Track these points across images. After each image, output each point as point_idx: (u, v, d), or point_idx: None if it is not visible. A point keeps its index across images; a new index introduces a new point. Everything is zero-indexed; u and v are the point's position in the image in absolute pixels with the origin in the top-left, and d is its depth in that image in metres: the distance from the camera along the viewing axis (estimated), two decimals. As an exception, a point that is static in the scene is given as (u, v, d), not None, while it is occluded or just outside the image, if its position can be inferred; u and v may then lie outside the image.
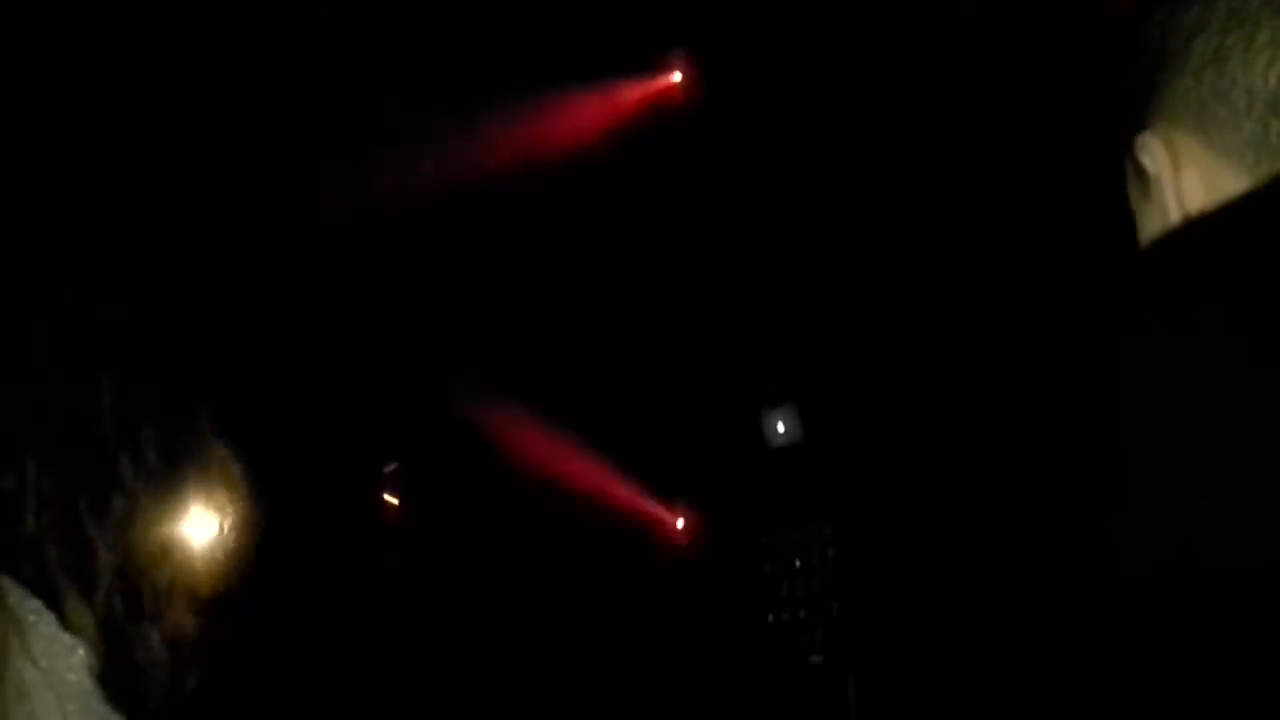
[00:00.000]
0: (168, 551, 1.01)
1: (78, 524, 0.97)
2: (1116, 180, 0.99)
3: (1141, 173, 0.92)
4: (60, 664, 0.90)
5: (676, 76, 4.43)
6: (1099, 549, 0.86)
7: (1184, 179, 0.90)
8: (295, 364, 4.59)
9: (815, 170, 4.32)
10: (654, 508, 5.58)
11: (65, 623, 0.93)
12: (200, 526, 1.04)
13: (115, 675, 0.94)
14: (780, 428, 5.02)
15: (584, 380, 5.10)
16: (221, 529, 1.07)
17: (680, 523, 5.65)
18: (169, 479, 1.03)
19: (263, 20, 3.72)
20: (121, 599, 0.97)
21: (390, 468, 5.31)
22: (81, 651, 0.92)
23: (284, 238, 4.35)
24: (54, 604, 0.93)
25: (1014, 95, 3.80)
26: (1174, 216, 0.90)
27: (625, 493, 5.43)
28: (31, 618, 0.90)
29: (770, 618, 5.47)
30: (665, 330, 4.91)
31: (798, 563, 5.39)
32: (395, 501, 5.32)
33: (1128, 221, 0.98)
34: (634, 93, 4.39)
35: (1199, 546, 0.74)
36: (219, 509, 1.06)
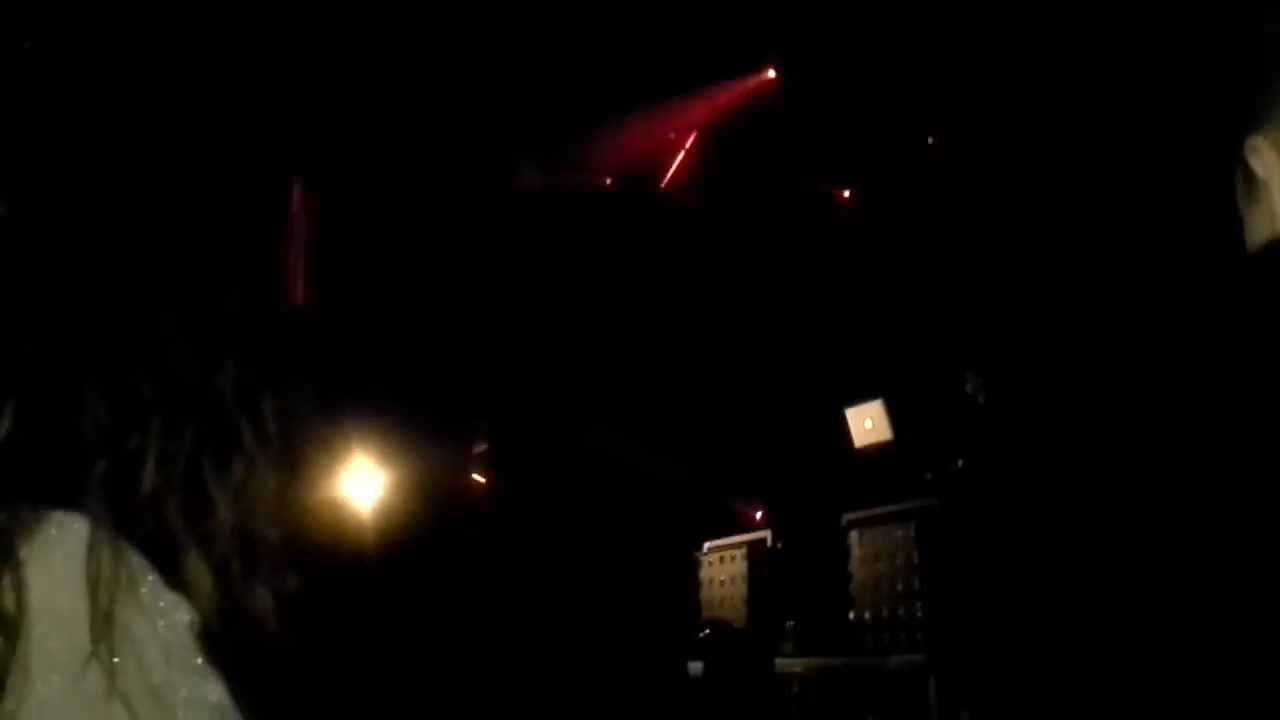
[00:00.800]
0: (281, 515, 1.06)
1: (200, 484, 1.02)
2: (1225, 185, 0.98)
3: (1250, 176, 0.91)
4: (166, 618, 0.94)
5: (769, 75, 4.45)
6: (1142, 550, 0.87)
7: None
8: (398, 351, 4.70)
9: (911, 162, 4.30)
10: (738, 502, 5.59)
11: (179, 578, 0.98)
12: (312, 494, 1.10)
13: (221, 631, 0.98)
14: (866, 425, 5.00)
15: (675, 375, 5.13)
16: (330, 499, 1.13)
17: (761, 516, 5.65)
18: (285, 448, 1.08)
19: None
20: (237, 556, 1.02)
21: (480, 448, 5.41)
22: (185, 608, 0.96)
23: (389, 229, 4.46)
24: (169, 561, 0.98)
25: (1129, 97, 3.72)
26: None
27: (711, 487, 5.45)
28: (140, 574, 0.95)
29: (853, 616, 5.43)
30: (754, 328, 4.92)
31: (881, 563, 5.35)
32: (483, 480, 5.42)
33: (1235, 226, 0.97)
34: (724, 97, 4.41)
35: (1225, 548, 0.75)
36: (329, 480, 1.12)
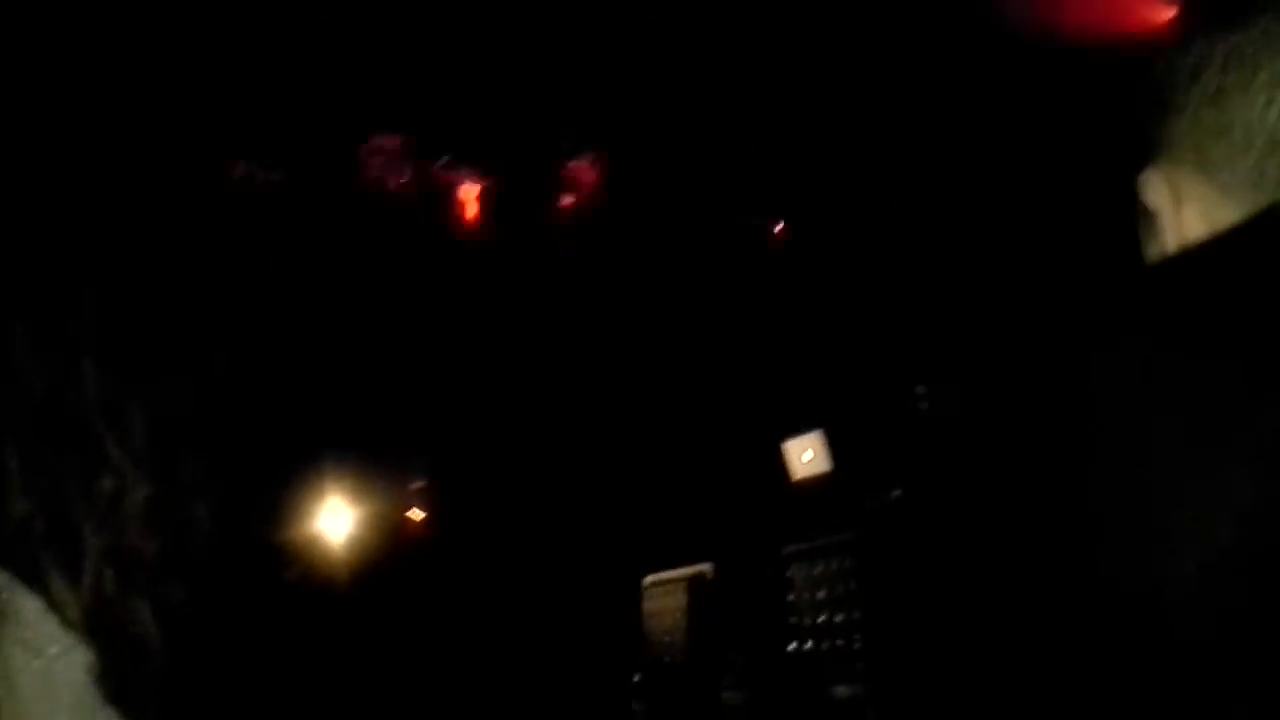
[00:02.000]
0: (157, 527, 1.01)
1: (63, 507, 0.97)
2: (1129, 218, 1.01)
3: (1146, 209, 0.94)
4: (58, 661, 0.90)
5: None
6: (1087, 577, 0.88)
7: (1184, 215, 0.91)
8: (309, 353, 4.63)
9: (839, 191, 4.34)
10: (677, 535, 5.57)
11: (52, 606, 0.93)
12: (192, 503, 1.05)
13: (110, 665, 0.94)
14: (805, 457, 5.01)
15: (611, 408, 5.12)
16: (212, 507, 1.08)
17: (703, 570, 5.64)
18: (158, 457, 1.03)
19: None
20: (111, 576, 0.97)
21: (418, 483, 5.35)
22: (80, 649, 0.92)
23: (288, 225, 4.40)
24: (45, 590, 0.93)
25: (1030, 135, 3.81)
26: (1173, 249, 0.92)
27: (650, 521, 5.42)
28: (29, 615, 0.91)
29: (795, 647, 5.43)
30: (688, 360, 4.93)
31: (822, 594, 5.35)
32: (421, 515, 5.35)
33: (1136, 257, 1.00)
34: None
35: (1171, 577, 0.75)
36: (209, 486, 1.06)
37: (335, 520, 4.77)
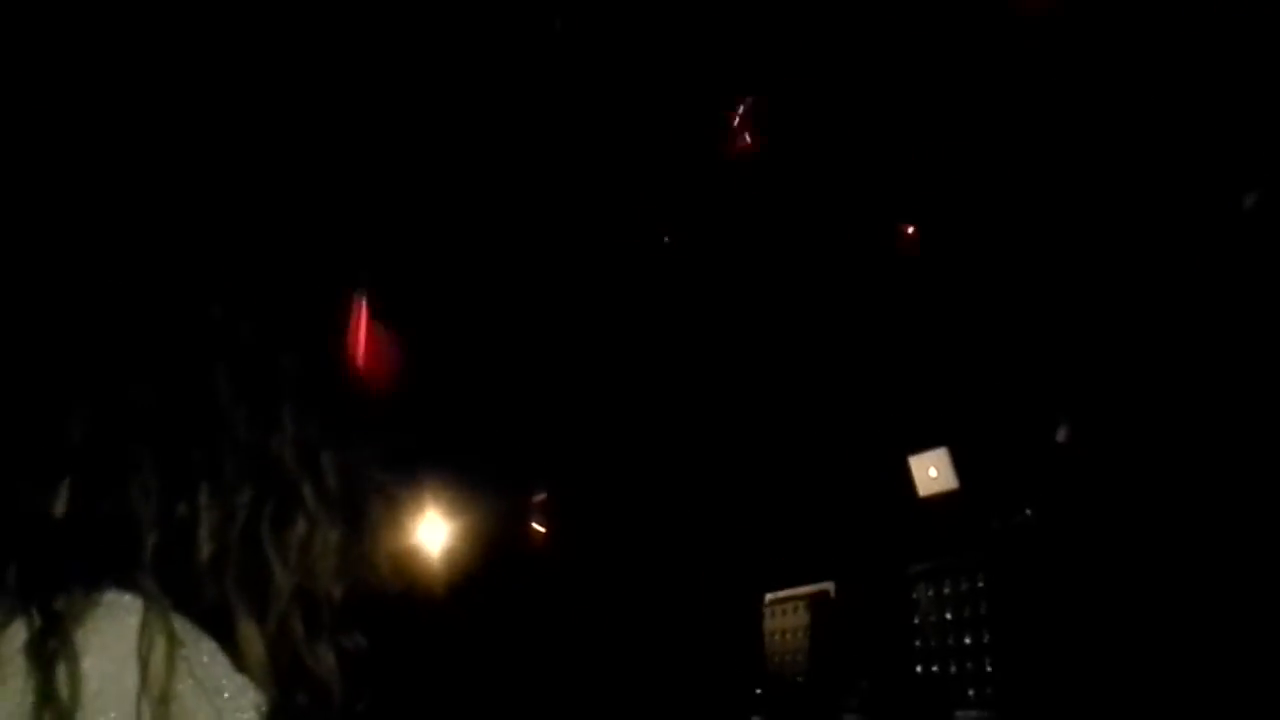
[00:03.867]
0: (346, 571, 1.04)
1: (258, 546, 1.00)
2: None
3: None
4: (230, 704, 0.92)
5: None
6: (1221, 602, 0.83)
7: None
8: (453, 396, 4.71)
9: (964, 214, 4.25)
10: (804, 553, 5.51)
11: (235, 647, 0.95)
12: (378, 550, 1.08)
13: (285, 707, 0.95)
14: (931, 473, 4.91)
15: (737, 424, 5.09)
16: (395, 551, 1.10)
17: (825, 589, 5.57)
18: (348, 505, 1.06)
19: None
20: (300, 617, 0.99)
21: (539, 497, 5.40)
22: (251, 691, 0.94)
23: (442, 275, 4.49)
24: (229, 630, 0.96)
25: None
26: None
27: (774, 538, 5.38)
28: (205, 658, 0.92)
29: (919, 670, 5.31)
30: (815, 375, 4.87)
31: (949, 615, 5.23)
32: (543, 529, 5.40)
33: None
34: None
35: None
36: (395, 535, 1.09)
37: (442, 533, 4.82)
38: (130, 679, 0.89)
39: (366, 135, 3.93)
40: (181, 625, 0.93)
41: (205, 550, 0.98)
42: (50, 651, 0.88)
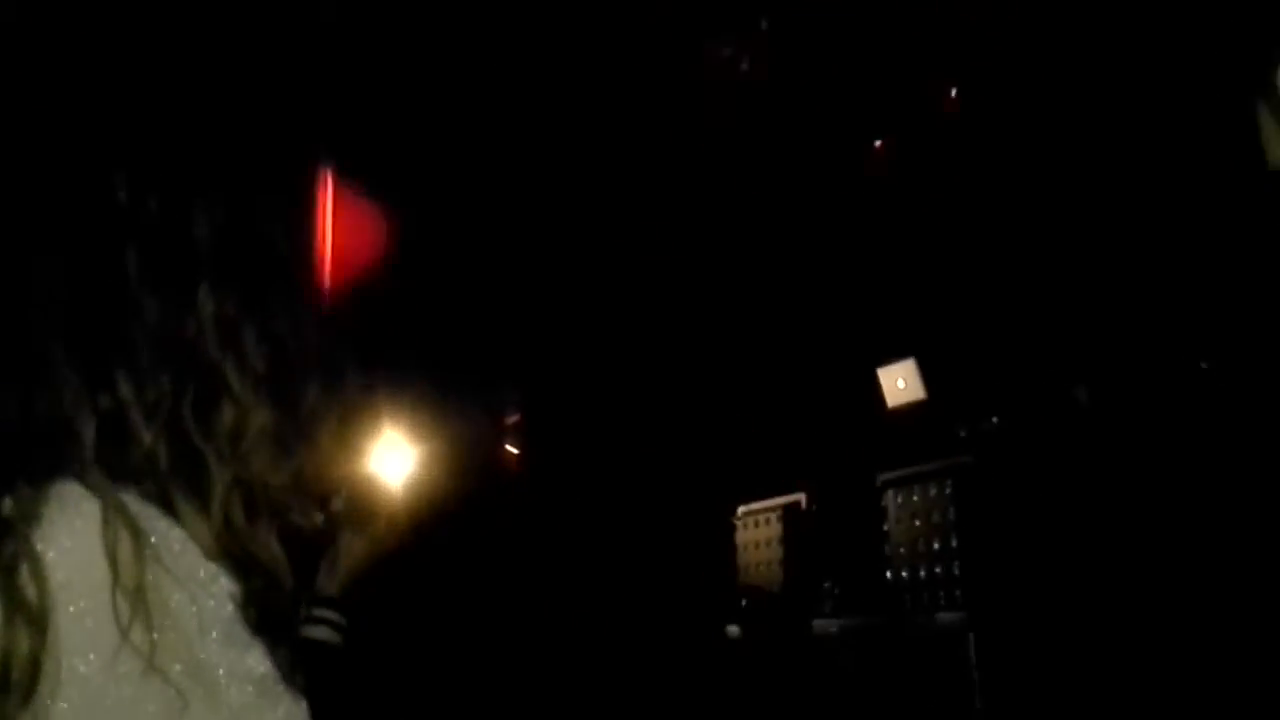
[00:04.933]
0: (282, 456, 1.01)
1: (186, 436, 0.97)
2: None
3: (1277, 104, 0.90)
4: (203, 591, 0.89)
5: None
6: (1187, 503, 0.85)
7: None
8: (427, 318, 4.68)
9: (940, 114, 4.23)
10: (772, 465, 5.57)
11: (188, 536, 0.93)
12: (316, 427, 1.03)
13: (250, 595, 0.94)
14: (899, 384, 4.95)
15: (704, 339, 5.10)
16: (335, 429, 1.06)
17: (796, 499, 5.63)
18: (278, 384, 1.02)
19: None
20: (239, 506, 0.97)
21: (513, 418, 5.40)
22: (223, 579, 0.91)
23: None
24: (176, 521, 0.93)
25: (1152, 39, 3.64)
26: None
27: (743, 451, 5.43)
28: (176, 546, 0.90)
29: (890, 575, 5.41)
30: (780, 289, 4.88)
31: (917, 522, 5.32)
32: (516, 451, 5.41)
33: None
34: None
35: None
36: (332, 411, 1.05)
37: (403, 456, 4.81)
38: (99, 571, 0.86)
39: None
40: (147, 513, 0.91)
41: (137, 442, 0.94)
42: (9, 556, 0.86)
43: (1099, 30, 3.75)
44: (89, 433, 0.93)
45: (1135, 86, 3.73)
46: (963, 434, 4.87)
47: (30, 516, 0.87)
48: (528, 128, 4.40)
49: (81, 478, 0.91)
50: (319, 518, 1.02)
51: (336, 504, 2.19)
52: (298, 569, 1.00)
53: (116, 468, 0.92)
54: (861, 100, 4.27)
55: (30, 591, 0.85)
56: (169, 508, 0.93)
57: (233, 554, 0.95)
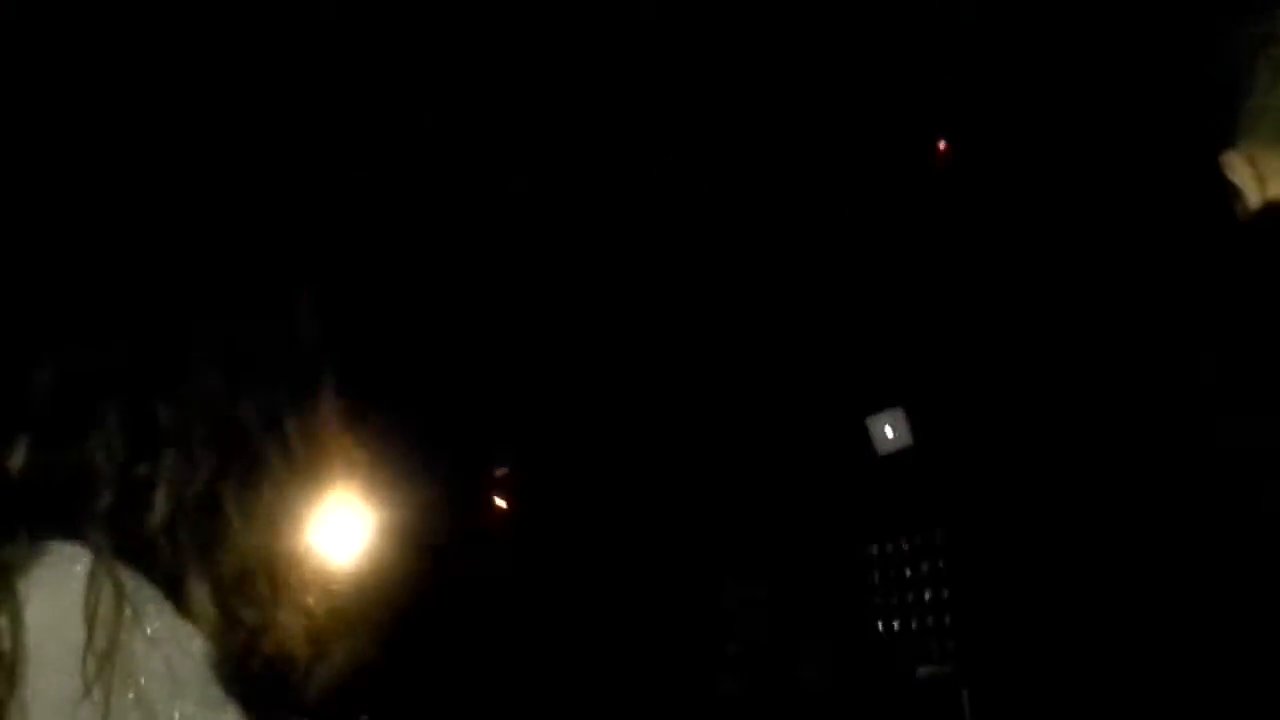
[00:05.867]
0: (307, 539, 1.04)
1: (218, 510, 0.99)
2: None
3: (1230, 186, 0.91)
4: (178, 649, 0.91)
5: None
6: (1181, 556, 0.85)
7: (1270, 191, 0.88)
8: (414, 366, 4.68)
9: (927, 170, 4.28)
10: (761, 515, 5.56)
11: (188, 610, 0.94)
12: (340, 518, 1.08)
13: (237, 664, 0.95)
14: (889, 433, 4.96)
15: (689, 385, 5.10)
16: (356, 523, 1.10)
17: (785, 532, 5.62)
18: (312, 468, 1.05)
19: None
20: (266, 581, 0.99)
21: (501, 471, 5.39)
22: (199, 640, 0.93)
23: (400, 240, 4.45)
24: (179, 590, 0.95)
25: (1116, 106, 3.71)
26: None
27: (731, 500, 5.42)
28: (151, 607, 0.92)
29: (879, 628, 5.39)
30: (770, 335, 4.89)
31: (908, 572, 5.30)
32: (505, 504, 5.39)
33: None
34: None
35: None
36: (356, 502, 1.09)
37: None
38: (74, 631, 0.88)
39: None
40: (129, 578, 0.92)
41: (160, 511, 0.97)
42: None
43: (1074, 75, 3.82)
44: (107, 495, 0.95)
45: (1103, 151, 3.81)
46: (953, 482, 4.87)
47: (20, 567, 0.90)
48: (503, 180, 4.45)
49: (82, 537, 0.93)
50: (322, 615, 1.04)
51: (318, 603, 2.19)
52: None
53: (130, 533, 0.95)
54: (852, 151, 4.32)
55: (5, 642, 0.87)
56: (179, 578, 0.95)
57: (241, 633, 0.96)
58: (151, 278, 1.06)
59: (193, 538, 0.98)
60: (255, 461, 1.01)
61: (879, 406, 4.91)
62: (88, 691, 0.87)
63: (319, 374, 1.11)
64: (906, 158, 4.39)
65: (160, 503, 0.97)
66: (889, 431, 4.93)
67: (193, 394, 1.01)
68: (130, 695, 0.88)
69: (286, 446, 1.03)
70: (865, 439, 4.98)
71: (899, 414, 4.87)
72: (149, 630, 0.91)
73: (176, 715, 0.89)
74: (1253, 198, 0.88)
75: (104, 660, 0.88)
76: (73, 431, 0.97)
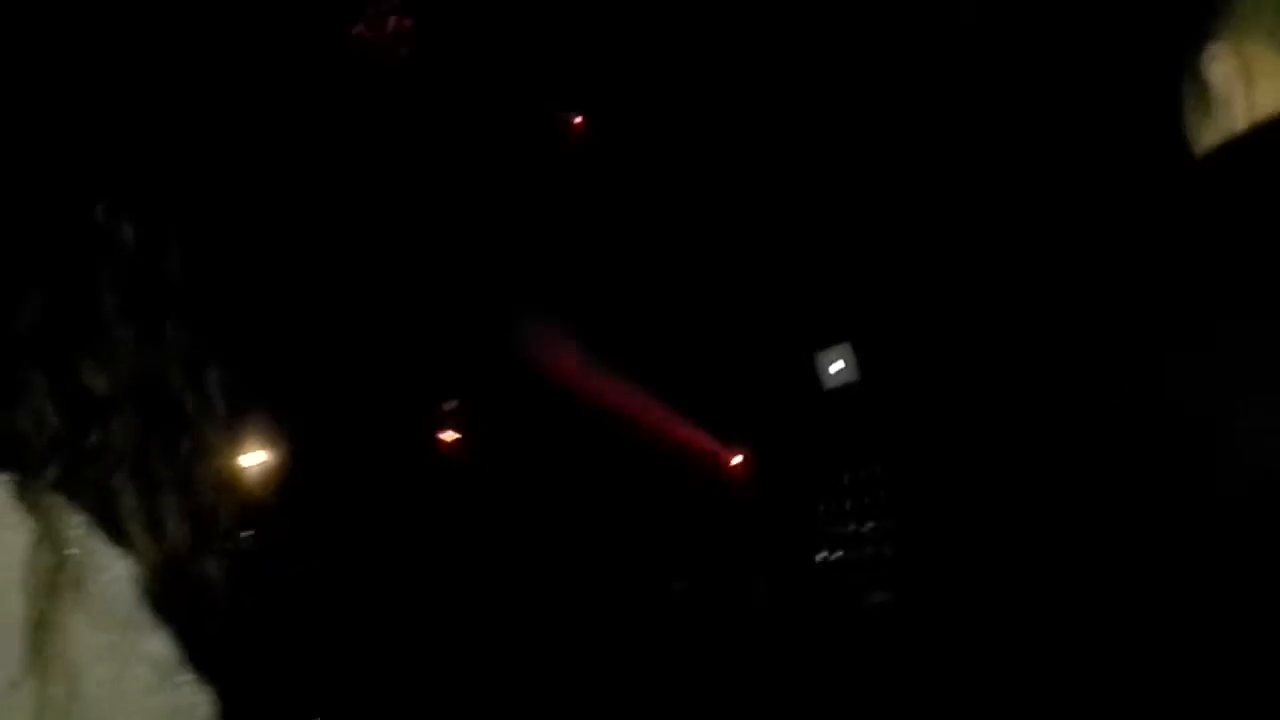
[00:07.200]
0: (230, 486, 1.03)
1: (150, 468, 0.98)
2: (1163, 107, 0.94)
3: (1205, 87, 0.85)
4: (107, 573, 0.91)
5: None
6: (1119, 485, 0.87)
7: (1257, 91, 0.83)
8: (355, 305, 4.64)
9: (875, 113, 4.27)
10: (709, 447, 5.61)
11: (134, 561, 0.94)
12: (261, 461, 1.08)
13: (166, 591, 0.95)
14: (835, 368, 5.01)
15: (643, 322, 5.11)
16: (279, 463, 1.10)
17: (735, 461, 5.67)
18: (232, 418, 1.05)
19: None
20: (187, 531, 0.99)
21: (450, 405, 5.37)
22: (127, 561, 0.92)
23: (339, 184, 4.39)
24: (121, 536, 0.95)
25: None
26: (1243, 128, 0.83)
27: (682, 433, 5.46)
28: (107, 579, 0.92)
29: (822, 557, 5.48)
30: (722, 273, 4.90)
31: (849, 503, 5.39)
32: (453, 437, 5.39)
33: (1172, 150, 0.94)
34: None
35: (1224, 493, 0.74)
36: (277, 444, 1.09)
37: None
38: (14, 600, 0.86)
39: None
40: (89, 543, 0.91)
41: (98, 470, 0.95)
42: None
43: (1026, 26, 3.81)
44: (47, 458, 0.94)
45: (1063, 74, 3.80)
46: (897, 416, 4.94)
47: None
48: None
49: (30, 501, 0.91)
50: (242, 546, 1.05)
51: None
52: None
53: (73, 494, 0.93)
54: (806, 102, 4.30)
55: None
56: (124, 534, 0.95)
57: (173, 583, 0.96)
58: (60, 220, 1.01)
59: (135, 496, 0.97)
60: (177, 414, 1.00)
61: (828, 343, 4.96)
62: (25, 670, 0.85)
63: (238, 325, 1.10)
64: (857, 107, 4.38)
65: (97, 462, 0.95)
66: (837, 365, 4.98)
67: (114, 353, 0.98)
68: (83, 699, 0.88)
69: (205, 397, 1.03)
70: (814, 373, 5.03)
71: (847, 349, 4.92)
72: (95, 609, 0.90)
73: (109, 639, 0.89)
74: (1237, 99, 0.83)
75: (39, 634, 0.86)
76: (5, 396, 0.94)
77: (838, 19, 4.05)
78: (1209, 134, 0.86)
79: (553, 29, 4.30)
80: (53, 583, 0.88)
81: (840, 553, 5.52)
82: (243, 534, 1.06)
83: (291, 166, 4.16)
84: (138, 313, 1.00)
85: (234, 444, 1.05)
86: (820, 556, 5.55)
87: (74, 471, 0.94)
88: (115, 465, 0.95)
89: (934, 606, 4.75)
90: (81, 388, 0.97)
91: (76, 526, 0.91)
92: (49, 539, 0.89)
